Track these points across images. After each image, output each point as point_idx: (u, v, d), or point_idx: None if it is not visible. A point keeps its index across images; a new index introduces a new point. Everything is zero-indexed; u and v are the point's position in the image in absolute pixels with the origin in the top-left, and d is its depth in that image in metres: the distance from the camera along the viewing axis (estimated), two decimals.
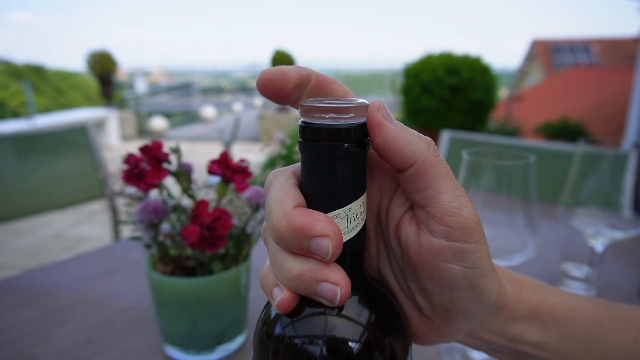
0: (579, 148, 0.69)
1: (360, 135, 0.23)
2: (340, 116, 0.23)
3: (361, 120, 0.24)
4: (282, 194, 0.24)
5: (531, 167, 0.52)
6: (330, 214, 0.24)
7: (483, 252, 0.25)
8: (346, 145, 0.23)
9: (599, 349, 0.30)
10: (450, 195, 0.24)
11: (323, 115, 0.23)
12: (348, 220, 0.24)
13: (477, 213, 0.25)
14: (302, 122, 0.24)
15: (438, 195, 0.24)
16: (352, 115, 0.23)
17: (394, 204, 0.28)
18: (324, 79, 0.26)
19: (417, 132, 0.25)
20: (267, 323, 0.26)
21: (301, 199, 0.24)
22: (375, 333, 0.25)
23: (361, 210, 0.25)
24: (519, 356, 0.31)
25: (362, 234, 0.25)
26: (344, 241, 0.24)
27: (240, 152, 6.56)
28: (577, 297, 0.32)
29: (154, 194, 0.57)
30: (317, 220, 0.23)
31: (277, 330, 0.25)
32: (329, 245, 0.23)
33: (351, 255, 0.25)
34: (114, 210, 1.58)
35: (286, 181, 0.25)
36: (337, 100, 0.25)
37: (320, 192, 0.24)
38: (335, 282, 0.23)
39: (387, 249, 0.29)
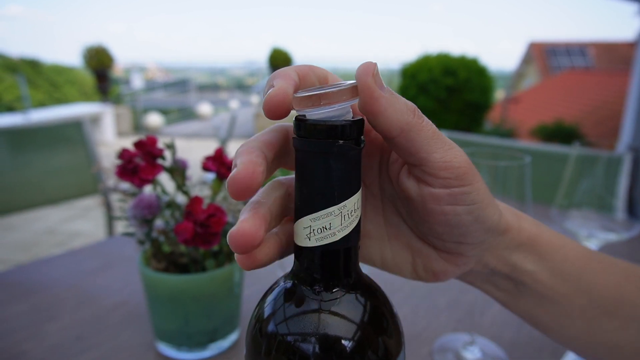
0: (574, 150, 0.69)
1: (355, 132, 0.23)
2: (332, 100, 0.22)
3: (357, 117, 0.23)
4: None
5: (526, 168, 0.52)
6: (324, 211, 0.24)
7: (480, 189, 0.27)
8: (341, 142, 0.23)
9: (584, 287, 0.32)
10: (440, 152, 0.26)
11: (316, 103, 0.22)
12: (342, 217, 0.24)
13: (467, 159, 0.27)
14: (297, 118, 0.23)
15: (429, 156, 0.26)
16: (344, 97, 0.23)
17: (391, 160, 0.30)
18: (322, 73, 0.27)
19: (403, 99, 0.25)
20: (260, 320, 0.26)
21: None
22: (368, 331, 0.25)
23: (355, 207, 0.24)
24: (519, 287, 0.32)
25: (356, 232, 0.25)
26: (340, 237, 0.24)
27: (236, 150, 6.55)
28: (568, 238, 0.34)
29: (148, 189, 0.57)
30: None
31: (270, 327, 0.25)
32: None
33: (345, 253, 0.25)
34: (107, 206, 1.57)
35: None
36: (327, 86, 0.24)
37: (314, 189, 0.24)
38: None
39: (393, 200, 0.31)
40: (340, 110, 0.23)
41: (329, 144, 0.23)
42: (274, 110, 0.23)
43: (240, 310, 0.62)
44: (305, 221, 0.24)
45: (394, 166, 0.29)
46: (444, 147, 0.26)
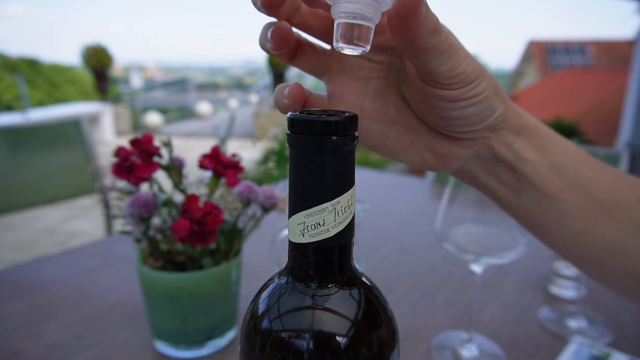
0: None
1: (349, 129, 0.23)
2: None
3: (352, 114, 0.24)
4: None
5: None
6: (317, 207, 0.24)
7: (481, 87, 0.29)
8: (334, 138, 0.23)
9: (583, 184, 0.33)
10: (448, 64, 0.27)
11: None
12: (336, 213, 0.24)
13: (473, 62, 0.28)
14: (291, 114, 0.23)
15: (437, 69, 0.27)
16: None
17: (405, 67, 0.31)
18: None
19: (432, 14, 0.25)
20: (254, 317, 0.26)
21: None
22: (362, 327, 0.25)
23: (349, 204, 0.25)
24: (521, 181, 0.33)
25: (350, 228, 0.25)
26: (334, 234, 0.24)
27: (235, 149, 6.54)
28: (563, 137, 0.34)
29: (144, 188, 0.57)
30: None
31: (264, 324, 0.25)
32: None
33: (339, 249, 0.25)
34: (105, 204, 1.57)
35: None
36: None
37: (308, 185, 0.24)
38: None
39: (399, 84, 0.33)
40: (373, 7, 0.24)
41: (322, 140, 0.23)
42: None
43: (238, 308, 0.62)
44: (299, 217, 0.24)
45: (404, 73, 0.32)
46: (452, 58, 0.27)
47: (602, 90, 8.06)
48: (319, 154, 0.23)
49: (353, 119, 0.23)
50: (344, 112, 0.24)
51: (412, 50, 0.26)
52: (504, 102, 0.31)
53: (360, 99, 0.33)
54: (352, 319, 0.25)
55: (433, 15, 0.25)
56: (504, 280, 0.80)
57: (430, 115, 0.31)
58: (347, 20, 0.23)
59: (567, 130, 5.50)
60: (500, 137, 0.32)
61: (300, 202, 0.24)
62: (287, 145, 0.24)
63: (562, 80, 11.15)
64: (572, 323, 0.68)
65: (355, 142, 0.24)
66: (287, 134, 0.24)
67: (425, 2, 0.24)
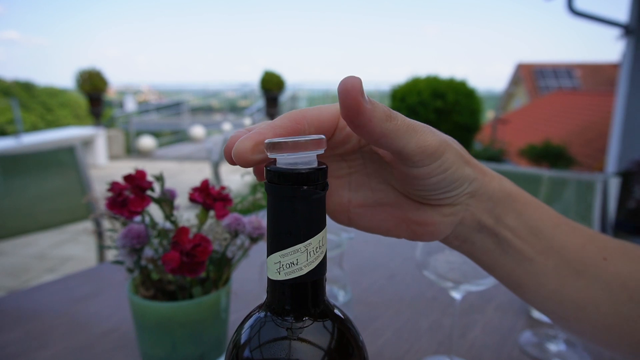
0: (546, 173, 0.73)
1: (319, 178, 0.26)
2: (299, 151, 0.26)
3: (322, 166, 0.27)
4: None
5: None
6: (291, 248, 0.27)
7: (450, 158, 0.32)
8: (305, 187, 0.26)
9: (557, 246, 0.35)
10: (413, 141, 0.30)
11: (285, 150, 0.26)
12: (308, 254, 0.27)
13: (437, 136, 0.31)
14: (267, 167, 0.26)
15: (404, 148, 0.30)
16: (310, 148, 0.26)
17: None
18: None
19: (380, 106, 0.28)
20: (236, 346, 0.29)
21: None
22: (335, 356, 0.27)
23: (320, 244, 0.27)
24: (502, 245, 0.36)
25: (321, 266, 0.28)
26: (306, 272, 0.27)
27: (227, 172, 6.57)
28: (541, 202, 0.37)
29: (137, 217, 0.59)
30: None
31: (245, 354, 0.28)
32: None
33: (312, 285, 0.28)
34: (99, 235, 1.58)
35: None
36: (297, 137, 0.28)
37: (282, 228, 0.27)
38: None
39: (379, 171, 0.36)
40: (306, 158, 0.26)
41: (294, 189, 0.26)
42: (236, 155, 0.27)
43: (227, 336, 0.64)
44: (276, 257, 0.27)
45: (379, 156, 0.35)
46: (416, 136, 0.30)
47: (590, 112, 8.21)
48: (292, 202, 0.26)
49: (322, 170, 0.26)
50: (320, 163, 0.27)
51: (375, 139, 0.29)
52: (476, 168, 0.34)
53: (345, 192, 0.38)
54: (325, 348, 0.27)
55: (380, 105, 0.29)
56: (487, 304, 0.82)
57: (411, 190, 0.34)
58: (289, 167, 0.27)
59: (556, 153, 5.58)
60: (480, 204, 0.35)
61: (276, 243, 0.27)
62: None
63: (550, 102, 11.35)
64: (552, 347, 0.70)
65: (325, 189, 0.27)
66: (265, 182, 0.27)
67: (367, 98, 0.28)
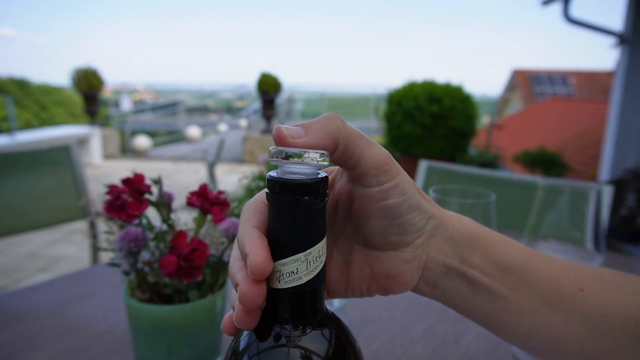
0: (541, 181, 0.73)
1: (319, 189, 0.27)
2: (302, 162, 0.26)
3: (322, 175, 0.27)
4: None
5: (491, 206, 0.56)
6: (291, 257, 0.27)
7: (405, 181, 0.32)
8: (306, 197, 0.26)
9: (528, 280, 0.34)
10: (368, 151, 0.30)
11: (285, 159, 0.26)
12: (308, 263, 0.27)
13: (388, 154, 0.31)
14: (270, 176, 0.27)
15: (362, 156, 0.30)
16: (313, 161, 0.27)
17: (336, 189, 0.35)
18: None
19: (320, 121, 0.29)
20: (235, 352, 0.29)
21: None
22: None
23: (320, 254, 0.28)
24: (473, 285, 0.35)
25: (321, 275, 0.28)
26: (306, 281, 0.27)
27: (223, 173, 6.55)
28: (507, 237, 0.36)
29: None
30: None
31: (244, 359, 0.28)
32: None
33: (312, 294, 0.28)
34: (94, 237, 1.57)
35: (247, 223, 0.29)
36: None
37: (283, 237, 0.27)
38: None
39: (343, 231, 0.36)
40: (308, 169, 0.27)
41: (295, 200, 0.26)
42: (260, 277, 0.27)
43: (222, 339, 0.64)
44: (276, 266, 0.27)
45: (342, 185, 0.35)
46: (369, 146, 0.30)
47: (585, 119, 8.27)
48: (293, 211, 0.26)
49: (323, 181, 0.27)
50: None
51: (334, 143, 0.29)
52: (433, 205, 0.34)
53: None
54: (323, 355, 0.28)
55: (316, 123, 0.29)
56: None
57: (372, 225, 0.33)
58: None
59: (550, 158, 5.62)
60: (441, 244, 0.34)
61: (276, 252, 0.27)
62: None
63: (545, 109, 11.42)
64: None
65: (326, 200, 0.27)
66: (266, 192, 0.27)
67: (299, 129, 0.29)
